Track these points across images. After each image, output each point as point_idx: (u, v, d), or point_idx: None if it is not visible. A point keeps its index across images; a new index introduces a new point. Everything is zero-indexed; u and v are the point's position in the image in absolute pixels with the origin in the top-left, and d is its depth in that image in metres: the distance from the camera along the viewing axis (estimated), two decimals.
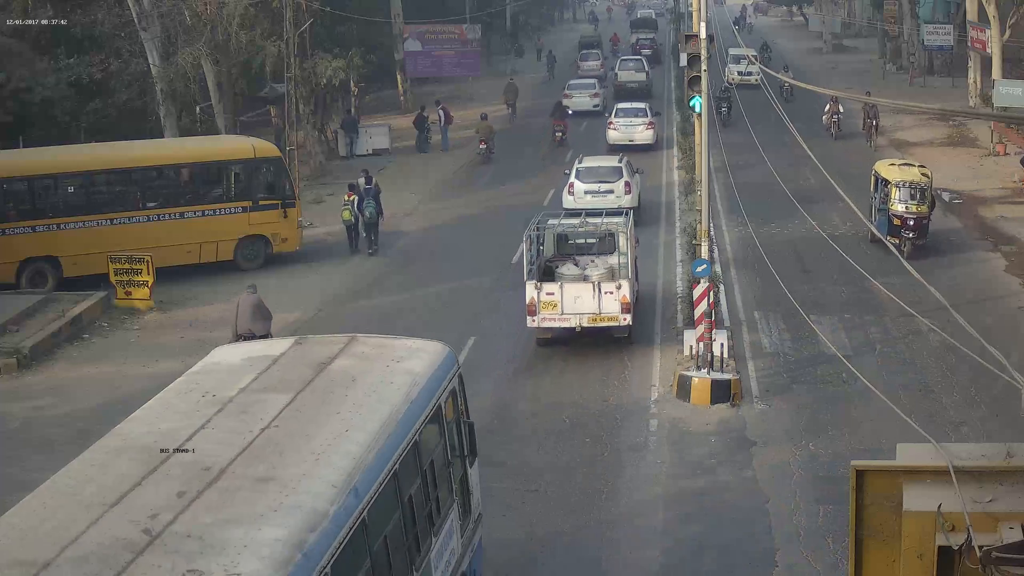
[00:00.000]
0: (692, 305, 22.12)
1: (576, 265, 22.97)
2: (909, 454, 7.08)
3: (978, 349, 13.46)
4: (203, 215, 28.72)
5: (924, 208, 28.05)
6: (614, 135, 42.33)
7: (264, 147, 30.57)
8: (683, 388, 20.37)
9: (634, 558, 15.12)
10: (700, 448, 18.54)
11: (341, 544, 8.87)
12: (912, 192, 28.00)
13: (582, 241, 23.86)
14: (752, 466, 17.74)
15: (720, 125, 42.52)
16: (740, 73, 56.24)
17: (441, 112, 47.07)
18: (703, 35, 21.64)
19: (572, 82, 54.10)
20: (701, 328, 21.05)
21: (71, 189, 27.73)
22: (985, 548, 6.21)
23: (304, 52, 41.31)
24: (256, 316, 20.89)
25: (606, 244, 23.65)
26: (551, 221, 23.60)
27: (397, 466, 10.33)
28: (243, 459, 9.65)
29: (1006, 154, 41.15)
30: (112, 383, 21.60)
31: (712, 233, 24.20)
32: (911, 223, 27.82)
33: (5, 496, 16.81)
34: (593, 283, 22.06)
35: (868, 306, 24.80)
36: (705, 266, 21.43)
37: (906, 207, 27.95)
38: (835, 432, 18.82)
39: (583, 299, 21.80)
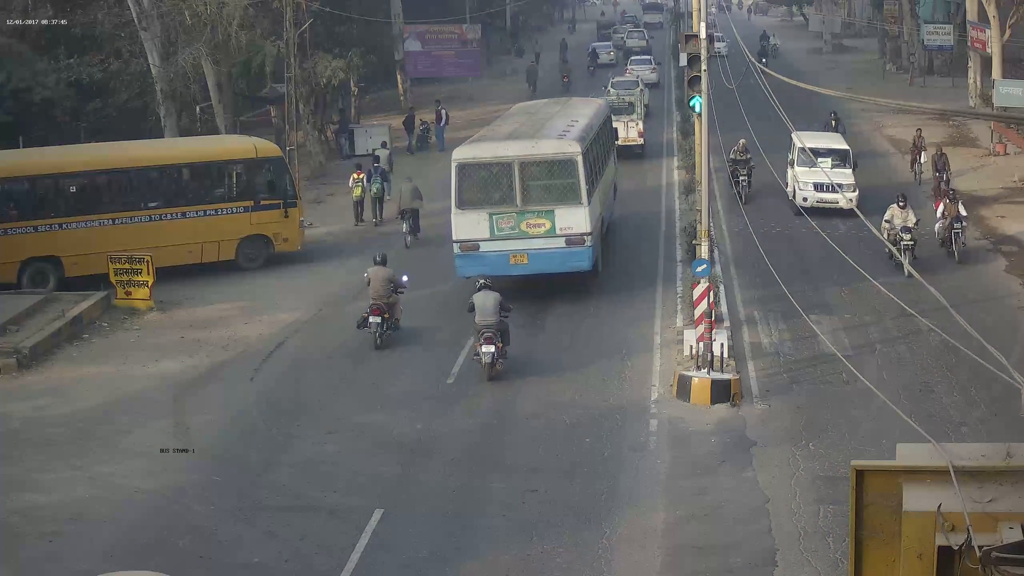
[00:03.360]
0: (692, 305, 22.14)
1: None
2: (909, 454, 7.07)
3: (978, 349, 13.45)
4: (205, 215, 28.69)
5: None
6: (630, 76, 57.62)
7: (266, 147, 30.59)
8: (683, 388, 20.37)
9: (634, 558, 15.12)
10: (700, 448, 18.54)
11: (592, 137, 27.91)
12: None
13: (618, 106, 41.42)
14: (752, 466, 17.73)
15: (740, 201, 32.58)
16: (820, 187, 32.07)
17: (442, 112, 47.11)
18: (703, 35, 21.70)
19: (595, 45, 73.68)
20: (701, 328, 21.07)
21: (72, 189, 27.69)
22: (985, 548, 6.20)
23: (304, 52, 41.33)
24: (415, 196, 31.53)
25: (630, 108, 42.29)
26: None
27: (597, 126, 29.43)
28: (557, 114, 30.30)
29: (1006, 154, 41.19)
30: (112, 383, 21.60)
31: (712, 233, 24.22)
32: None
33: (5, 496, 16.88)
34: (624, 122, 40.73)
35: (868, 306, 24.80)
36: (705, 266, 21.46)
37: None
38: (835, 432, 18.82)
39: (619, 130, 38.83)
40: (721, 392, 20.10)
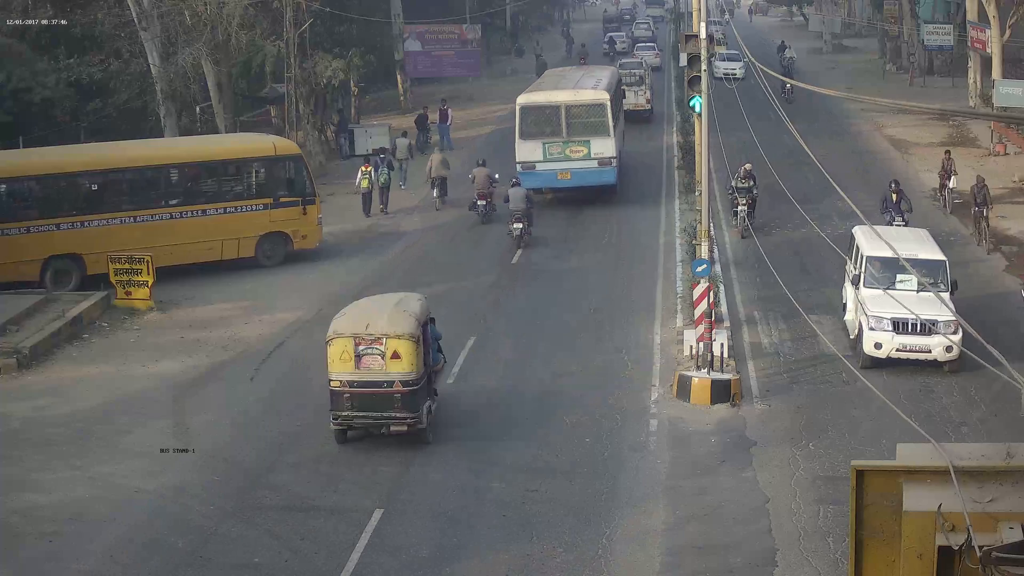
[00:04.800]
0: (692, 305, 22.12)
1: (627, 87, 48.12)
2: (909, 454, 7.07)
3: (978, 349, 13.45)
4: (225, 212, 28.75)
5: None
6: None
7: (285, 145, 30.91)
8: (683, 388, 20.37)
9: (634, 558, 15.12)
10: (700, 448, 18.54)
11: (616, 89, 38.78)
12: None
13: (629, 80, 49.43)
14: (752, 466, 17.73)
15: (740, 231, 30.73)
16: (903, 327, 20.89)
17: (447, 111, 47.14)
18: (703, 35, 21.69)
19: (612, 34, 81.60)
20: (701, 328, 21.06)
21: (94, 187, 27.78)
22: (985, 548, 6.20)
23: (304, 52, 41.32)
24: (444, 166, 35.41)
25: (640, 80, 50.63)
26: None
27: (615, 84, 39.16)
28: (584, 75, 40.90)
29: (1006, 154, 41.17)
30: (112, 383, 21.59)
31: (712, 233, 24.21)
32: None
33: (5, 496, 16.88)
34: (634, 91, 49.19)
35: None
36: (705, 266, 21.45)
37: None
38: (835, 432, 18.83)
39: (630, 98, 47.70)
40: (721, 392, 20.10)
